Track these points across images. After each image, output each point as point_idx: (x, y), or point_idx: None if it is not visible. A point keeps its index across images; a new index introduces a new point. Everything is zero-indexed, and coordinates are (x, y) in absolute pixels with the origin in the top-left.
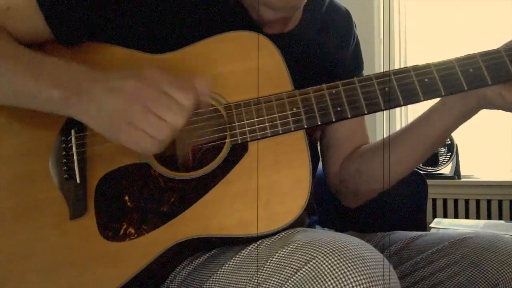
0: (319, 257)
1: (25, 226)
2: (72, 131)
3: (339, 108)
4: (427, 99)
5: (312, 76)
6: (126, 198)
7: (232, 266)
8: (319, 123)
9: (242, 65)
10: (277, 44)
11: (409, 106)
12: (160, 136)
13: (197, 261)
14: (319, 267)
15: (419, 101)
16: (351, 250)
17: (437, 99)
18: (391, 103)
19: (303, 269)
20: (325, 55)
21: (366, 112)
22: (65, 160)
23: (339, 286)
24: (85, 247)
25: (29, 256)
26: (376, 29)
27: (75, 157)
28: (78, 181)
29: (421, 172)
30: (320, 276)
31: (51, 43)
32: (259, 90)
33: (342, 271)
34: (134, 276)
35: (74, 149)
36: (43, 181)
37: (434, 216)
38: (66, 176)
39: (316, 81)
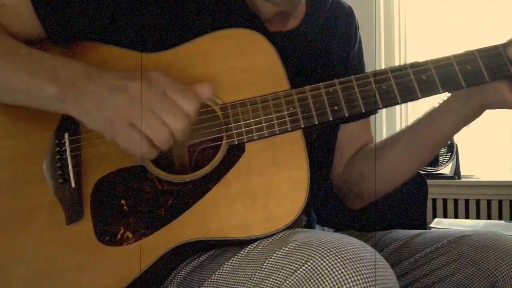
0: (317, 257)
1: (21, 231)
2: (66, 134)
3: (336, 107)
4: (425, 97)
5: (313, 76)
6: (123, 202)
7: (231, 266)
8: (316, 122)
9: (238, 63)
10: (279, 42)
11: (409, 105)
12: (159, 140)
13: (195, 261)
14: (316, 268)
15: (417, 99)
16: (349, 250)
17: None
18: (388, 101)
19: (301, 270)
20: (327, 55)
21: (363, 111)
22: (59, 164)
23: (336, 286)
24: (82, 252)
25: (25, 262)
26: (376, 29)
27: (69, 161)
28: (73, 185)
29: (421, 172)
30: (317, 277)
31: (45, 42)
32: (254, 89)
33: (340, 271)
34: (132, 281)
35: (68, 152)
36: (37, 186)
37: (434, 216)
38: (61, 180)
39: (317, 82)
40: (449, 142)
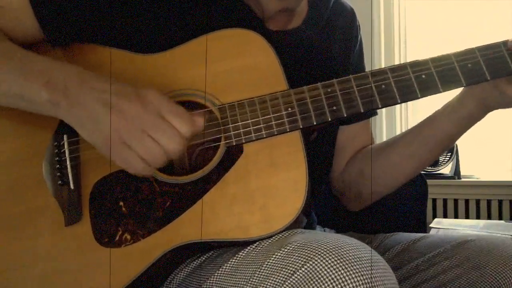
0: (316, 258)
1: (19, 233)
2: (65, 136)
3: (334, 108)
4: (424, 96)
5: (314, 76)
6: (121, 203)
7: (230, 267)
8: (315, 123)
9: (236, 63)
10: (279, 41)
11: (409, 107)
12: (153, 161)
13: (195, 262)
14: (316, 269)
15: (416, 98)
16: (348, 251)
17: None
18: (387, 101)
19: (301, 271)
20: (328, 55)
21: (362, 111)
22: (58, 165)
23: (336, 287)
24: (81, 253)
25: (24, 264)
26: (376, 29)
27: (68, 163)
28: (72, 187)
29: (421, 172)
30: (317, 278)
31: (44, 44)
32: (252, 89)
33: (340, 272)
34: (131, 282)
35: (67, 154)
36: (36, 188)
37: (434, 216)
38: (60, 182)
39: (316, 82)
40: None
